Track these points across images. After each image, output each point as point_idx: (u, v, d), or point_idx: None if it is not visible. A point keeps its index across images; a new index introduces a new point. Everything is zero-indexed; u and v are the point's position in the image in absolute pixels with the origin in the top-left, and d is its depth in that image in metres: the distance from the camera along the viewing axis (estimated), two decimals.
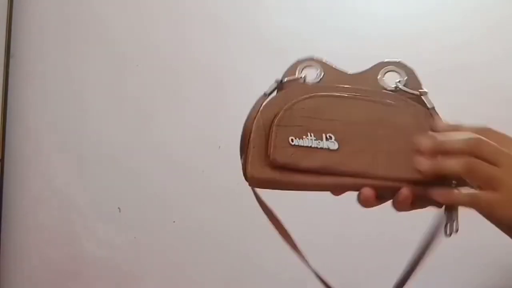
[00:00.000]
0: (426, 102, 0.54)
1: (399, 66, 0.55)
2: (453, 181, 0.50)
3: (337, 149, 0.51)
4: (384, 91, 0.54)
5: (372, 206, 0.52)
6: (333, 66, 0.56)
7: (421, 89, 0.54)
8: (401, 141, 0.51)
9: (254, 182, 0.54)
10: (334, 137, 0.52)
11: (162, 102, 1.27)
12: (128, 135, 1.29)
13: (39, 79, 1.41)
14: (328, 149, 0.51)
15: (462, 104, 1.01)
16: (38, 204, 1.39)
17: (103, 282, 1.31)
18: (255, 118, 0.54)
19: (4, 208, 1.41)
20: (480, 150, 0.48)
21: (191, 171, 1.22)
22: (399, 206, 0.51)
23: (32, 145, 1.41)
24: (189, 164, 1.22)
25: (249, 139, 0.53)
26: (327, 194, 0.54)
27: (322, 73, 0.56)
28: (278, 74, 1.31)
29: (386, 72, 0.55)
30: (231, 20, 1.21)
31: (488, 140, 0.48)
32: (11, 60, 1.42)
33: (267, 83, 1.15)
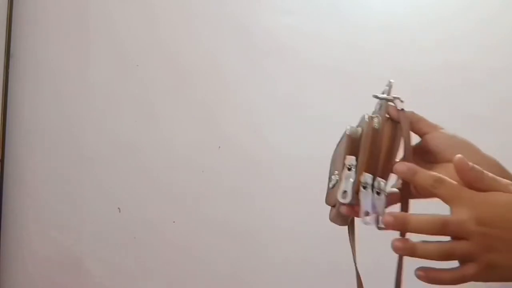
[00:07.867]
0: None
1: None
2: None
3: None
4: None
5: None
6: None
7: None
8: None
9: None
10: None
11: (162, 103, 1.27)
12: (128, 135, 1.29)
13: (39, 79, 1.41)
14: None
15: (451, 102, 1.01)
16: (38, 204, 1.40)
17: (103, 280, 1.31)
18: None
19: (4, 208, 1.41)
20: (446, 231, 0.44)
21: (191, 171, 1.22)
22: None
23: (32, 145, 1.41)
24: (189, 164, 1.22)
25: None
26: None
27: None
28: (278, 76, 1.30)
29: None
30: (232, 21, 1.21)
31: (451, 220, 0.44)
32: (11, 60, 1.42)
33: (268, 84, 1.15)
